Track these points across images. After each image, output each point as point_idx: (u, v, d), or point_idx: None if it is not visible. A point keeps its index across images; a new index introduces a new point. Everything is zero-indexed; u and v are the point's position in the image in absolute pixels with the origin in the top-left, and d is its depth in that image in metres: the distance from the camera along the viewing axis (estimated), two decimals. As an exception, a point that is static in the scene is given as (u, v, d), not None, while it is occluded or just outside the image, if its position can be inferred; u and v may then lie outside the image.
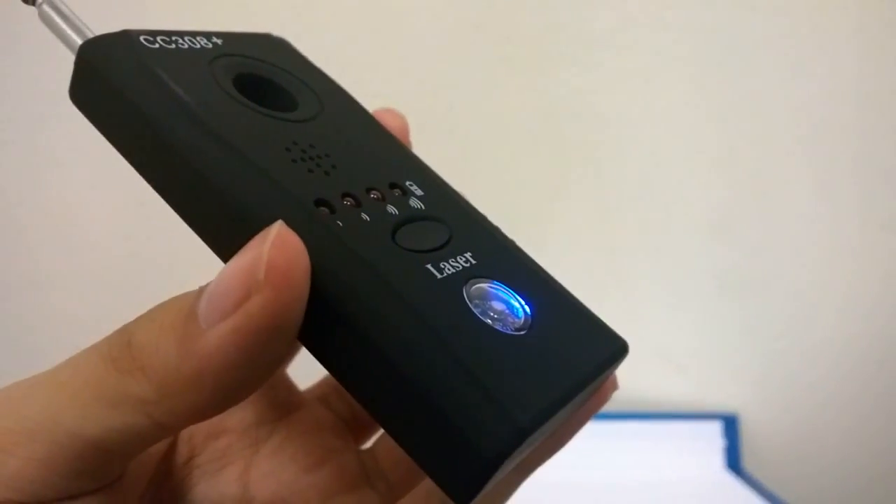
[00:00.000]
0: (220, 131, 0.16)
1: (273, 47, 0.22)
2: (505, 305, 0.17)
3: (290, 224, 0.14)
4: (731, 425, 0.63)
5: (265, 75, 0.20)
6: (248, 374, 0.14)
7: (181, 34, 0.19)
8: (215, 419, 0.20)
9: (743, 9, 0.59)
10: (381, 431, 0.23)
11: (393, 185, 0.19)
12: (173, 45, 0.19)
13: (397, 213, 0.18)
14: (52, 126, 0.62)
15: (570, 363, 0.17)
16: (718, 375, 0.65)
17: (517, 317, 0.17)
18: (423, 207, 0.19)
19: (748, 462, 0.63)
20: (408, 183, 0.20)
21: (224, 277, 0.13)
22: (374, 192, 0.18)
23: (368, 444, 0.23)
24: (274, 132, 0.18)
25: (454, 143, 0.61)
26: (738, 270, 0.63)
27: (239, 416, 0.21)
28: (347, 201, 0.17)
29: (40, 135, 0.63)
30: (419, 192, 0.19)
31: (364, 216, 0.17)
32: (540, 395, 0.15)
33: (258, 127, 0.18)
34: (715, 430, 0.63)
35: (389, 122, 0.22)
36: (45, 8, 0.18)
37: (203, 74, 0.18)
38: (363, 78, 0.61)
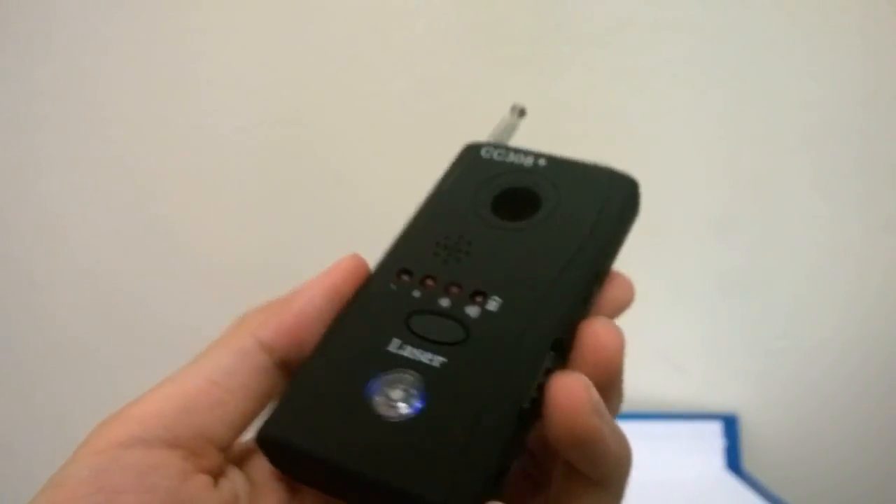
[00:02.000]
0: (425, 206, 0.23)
1: (597, 181, 0.23)
2: (403, 395, 0.18)
3: (378, 268, 0.21)
4: (731, 425, 0.63)
5: (518, 185, 0.23)
6: (323, 304, 0.20)
7: (519, 150, 0.24)
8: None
9: (744, 9, 0.59)
10: None
11: (478, 293, 0.20)
12: (500, 158, 0.24)
13: (445, 305, 0.20)
14: (48, 128, 0.62)
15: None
16: (718, 375, 0.65)
17: (406, 409, 0.18)
18: (470, 316, 0.19)
19: (748, 462, 0.63)
20: (494, 297, 0.20)
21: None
22: (455, 286, 0.20)
23: None
24: (453, 222, 0.22)
25: (454, 142, 0.61)
26: (739, 270, 0.63)
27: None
28: (428, 281, 0.20)
29: (36, 136, 0.62)
30: (491, 307, 0.20)
31: (415, 293, 0.20)
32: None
33: (454, 215, 0.22)
34: (715, 430, 0.63)
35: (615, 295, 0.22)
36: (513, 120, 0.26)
37: (482, 179, 0.24)
38: (364, 77, 0.62)
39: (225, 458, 0.19)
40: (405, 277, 0.21)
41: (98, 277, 0.65)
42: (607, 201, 0.23)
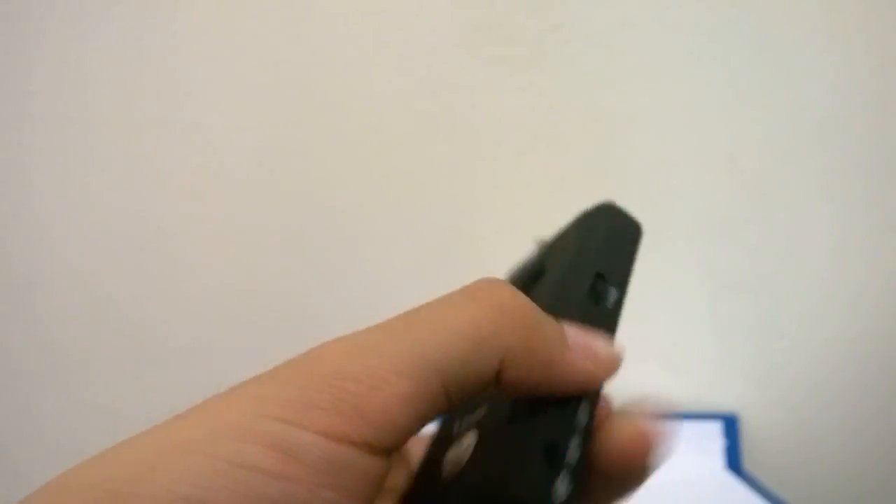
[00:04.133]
0: None
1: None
2: None
3: None
4: (731, 425, 0.63)
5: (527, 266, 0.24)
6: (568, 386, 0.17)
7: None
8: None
9: (746, 8, 0.59)
10: None
11: None
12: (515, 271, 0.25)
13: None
14: (42, 130, 0.62)
15: None
16: (718, 375, 0.65)
17: None
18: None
19: (748, 462, 0.63)
20: None
21: (602, 345, 0.18)
22: None
23: None
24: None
25: (455, 142, 0.61)
26: (740, 270, 0.63)
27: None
28: None
29: (31, 138, 0.63)
30: None
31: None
32: None
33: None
34: (715, 430, 0.63)
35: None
36: None
37: None
38: (365, 77, 0.61)
39: None
40: None
41: (92, 281, 0.65)
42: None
